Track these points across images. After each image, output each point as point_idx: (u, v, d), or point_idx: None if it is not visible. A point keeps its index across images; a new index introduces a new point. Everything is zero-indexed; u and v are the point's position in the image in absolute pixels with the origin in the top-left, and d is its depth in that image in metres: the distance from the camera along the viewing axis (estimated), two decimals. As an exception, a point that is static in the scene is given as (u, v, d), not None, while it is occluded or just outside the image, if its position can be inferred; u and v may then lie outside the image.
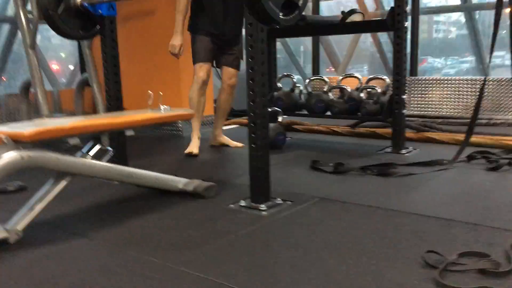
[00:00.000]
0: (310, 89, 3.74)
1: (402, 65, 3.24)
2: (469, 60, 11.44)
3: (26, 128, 1.82)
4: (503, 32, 3.58)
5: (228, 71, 3.60)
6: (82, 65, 5.01)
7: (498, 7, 2.85)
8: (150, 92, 2.80)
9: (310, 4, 5.61)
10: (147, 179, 2.32)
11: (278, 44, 6.83)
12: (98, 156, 2.12)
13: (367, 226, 1.93)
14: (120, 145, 2.74)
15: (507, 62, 5.00)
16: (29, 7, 3.95)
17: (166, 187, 2.37)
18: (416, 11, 4.83)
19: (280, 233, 1.91)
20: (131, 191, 2.47)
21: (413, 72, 5.05)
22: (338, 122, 4.25)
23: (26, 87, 4.15)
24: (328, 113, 3.65)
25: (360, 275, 1.47)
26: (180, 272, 1.53)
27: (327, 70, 7.91)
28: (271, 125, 3.28)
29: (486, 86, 3.80)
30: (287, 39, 7.39)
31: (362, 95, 3.45)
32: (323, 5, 6.43)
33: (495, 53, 3.00)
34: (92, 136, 2.33)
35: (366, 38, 8.33)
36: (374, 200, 2.27)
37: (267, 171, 2.22)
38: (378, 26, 3.52)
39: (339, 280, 1.45)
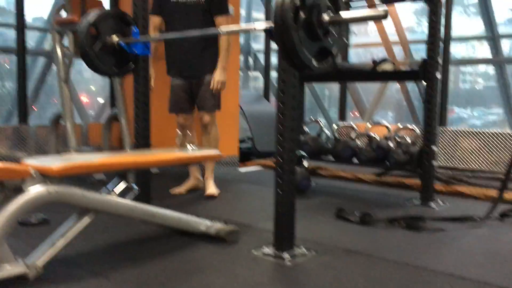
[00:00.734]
0: (337, 135, 3.70)
1: (433, 116, 3.19)
2: (497, 113, 11.30)
3: (54, 162, 1.82)
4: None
5: (198, 113, 3.44)
6: (112, 100, 5.10)
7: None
8: (179, 133, 2.82)
9: (339, 50, 5.64)
10: (170, 220, 2.28)
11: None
12: (123, 194, 2.11)
13: (394, 284, 1.84)
14: (145, 182, 2.73)
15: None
16: (66, 42, 4.09)
17: (189, 229, 2.33)
18: (446, 62, 4.81)
19: (304, 286, 1.83)
20: (154, 230, 2.44)
21: (443, 122, 4.97)
22: (363, 169, 4.18)
23: (57, 120, 4.22)
24: (355, 160, 3.60)
25: None
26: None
27: (351, 114, 7.89)
28: (296, 169, 3.23)
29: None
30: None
31: (391, 144, 3.39)
32: (351, 51, 6.49)
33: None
34: (118, 172, 2.32)
35: (392, 85, 8.33)
36: (402, 255, 2.18)
37: (292, 218, 2.16)
38: (409, 77, 3.50)
39: None
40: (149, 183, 2.80)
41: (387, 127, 3.63)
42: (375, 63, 3.43)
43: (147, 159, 2.17)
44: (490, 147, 4.53)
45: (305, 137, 3.83)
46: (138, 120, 2.88)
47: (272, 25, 2.10)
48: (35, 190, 1.76)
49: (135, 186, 2.18)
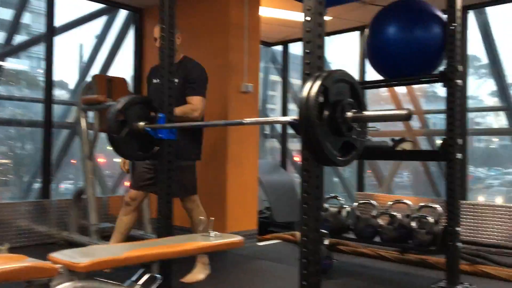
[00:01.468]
0: (358, 213, 3.68)
1: (456, 197, 3.17)
2: (513, 172, 11.17)
3: (81, 259, 1.84)
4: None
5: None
6: (133, 174, 5.18)
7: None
8: (201, 218, 2.83)
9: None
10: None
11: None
12: (147, 285, 2.10)
13: None
14: (168, 271, 2.71)
15: None
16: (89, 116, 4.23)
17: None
18: (464, 135, 4.83)
19: None
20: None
21: (463, 196, 4.92)
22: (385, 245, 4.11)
23: (79, 194, 4.28)
24: (377, 238, 3.55)
25: None
26: None
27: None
28: (318, 250, 3.19)
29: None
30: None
31: (413, 223, 3.35)
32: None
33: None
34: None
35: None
36: None
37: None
38: (430, 157, 3.51)
39: None
40: (172, 271, 2.78)
41: (407, 204, 3.59)
42: (395, 141, 3.47)
43: (171, 250, 2.18)
44: (514, 222, 4.44)
45: (325, 214, 3.81)
46: (161, 203, 2.90)
47: (296, 118, 2.17)
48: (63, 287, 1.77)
49: (158, 276, 2.17)
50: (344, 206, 3.79)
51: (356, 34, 5.82)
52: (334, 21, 5.27)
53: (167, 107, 2.92)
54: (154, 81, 3.46)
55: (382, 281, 3.36)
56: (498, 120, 7.10)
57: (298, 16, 5.21)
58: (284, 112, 6.79)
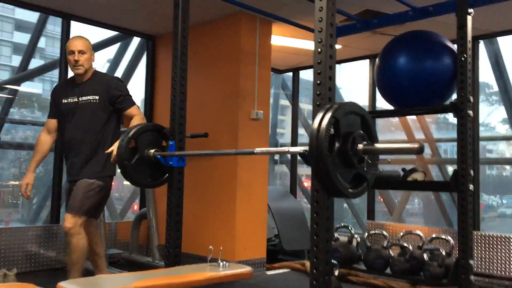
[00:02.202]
0: (369, 243, 3.63)
1: (468, 229, 3.12)
2: (528, 200, 10.98)
3: (90, 289, 1.82)
4: None
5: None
6: (142, 200, 5.19)
7: None
8: (211, 247, 2.81)
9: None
10: None
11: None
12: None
13: None
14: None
15: None
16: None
17: None
18: (476, 165, 4.78)
19: None
20: None
21: (476, 226, 4.84)
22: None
23: (88, 220, 4.28)
24: (388, 270, 3.49)
25: None
26: None
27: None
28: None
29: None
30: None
31: (425, 255, 3.29)
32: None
33: None
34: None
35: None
36: None
37: None
38: (442, 188, 3.48)
39: None
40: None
41: (420, 236, 3.54)
42: (406, 172, 3.44)
43: (179, 280, 2.16)
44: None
45: (335, 244, 3.76)
46: (170, 230, 2.89)
47: (305, 149, 2.17)
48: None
49: (166, 307, 2.15)
50: (355, 236, 3.75)
51: (366, 62, 5.85)
52: (344, 49, 5.31)
53: (178, 135, 2.93)
54: (64, 101, 3.26)
55: (393, 314, 3.30)
56: (510, 149, 7.05)
57: (308, 45, 5.26)
58: (294, 138, 6.78)
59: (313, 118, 2.16)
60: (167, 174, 2.96)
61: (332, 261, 3.52)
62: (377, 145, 1.95)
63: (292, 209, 6.09)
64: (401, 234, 3.54)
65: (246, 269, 2.46)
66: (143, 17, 4.76)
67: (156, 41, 5.36)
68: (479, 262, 4.60)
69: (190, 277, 2.20)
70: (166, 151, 2.91)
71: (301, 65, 6.47)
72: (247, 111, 4.41)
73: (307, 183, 8.16)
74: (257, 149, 2.39)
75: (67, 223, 3.09)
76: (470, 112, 3.19)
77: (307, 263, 4.47)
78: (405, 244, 3.44)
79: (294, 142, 6.75)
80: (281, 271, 4.73)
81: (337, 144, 1.95)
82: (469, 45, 3.22)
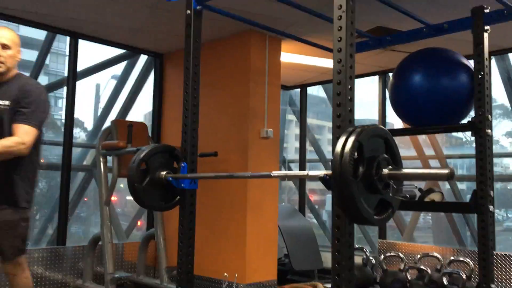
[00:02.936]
0: (385, 266, 3.52)
1: (489, 252, 3.01)
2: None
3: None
4: None
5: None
6: (150, 220, 5.09)
7: None
8: (226, 274, 2.72)
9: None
10: None
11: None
12: None
13: None
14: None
15: None
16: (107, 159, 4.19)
17: None
18: (492, 184, 4.68)
19: None
20: None
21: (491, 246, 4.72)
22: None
23: (96, 241, 4.19)
24: (405, 294, 3.38)
25: None
26: None
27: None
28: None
29: None
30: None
31: (444, 279, 3.19)
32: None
33: None
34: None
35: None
36: None
37: None
38: (460, 209, 3.39)
39: None
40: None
41: (438, 258, 3.44)
42: (423, 192, 3.34)
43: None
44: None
45: (349, 266, 3.65)
46: (181, 255, 2.79)
47: (327, 172, 2.08)
48: None
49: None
50: (370, 258, 3.64)
51: (375, 78, 5.79)
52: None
53: (190, 156, 2.86)
54: None
55: None
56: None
57: (317, 61, 5.21)
58: (302, 157, 6.70)
59: (334, 141, 2.08)
60: (178, 197, 2.88)
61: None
62: (404, 170, 1.87)
63: (302, 228, 5.97)
64: (418, 256, 3.43)
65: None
66: (151, 36, 4.72)
67: (163, 59, 5.32)
68: (497, 283, 4.47)
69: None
70: (177, 173, 2.83)
71: (309, 82, 6.42)
72: (257, 129, 4.34)
73: (312, 198, 8.06)
74: (274, 173, 2.31)
75: (12, 268, 2.70)
76: (489, 131, 3.11)
77: (320, 285, 4.36)
78: (423, 267, 3.33)
79: (302, 161, 6.67)
80: (291, 293, 4.60)
81: (361, 169, 1.87)
82: (486, 62, 3.15)
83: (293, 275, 5.84)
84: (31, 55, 5.66)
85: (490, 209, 3.06)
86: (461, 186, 7.20)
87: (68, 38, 4.69)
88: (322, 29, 4.02)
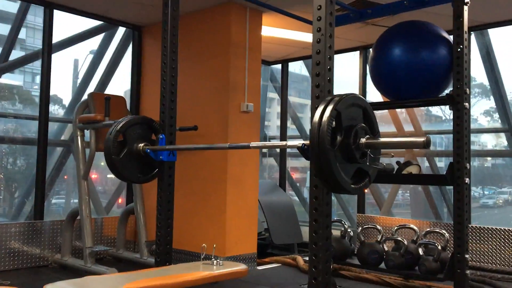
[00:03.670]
0: (362, 237, 3.57)
1: (464, 223, 3.07)
2: (508, 191, 11.17)
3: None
4: None
5: None
6: (129, 195, 5.06)
7: None
8: (204, 245, 2.71)
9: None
10: None
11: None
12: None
13: None
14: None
15: None
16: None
17: None
18: (468, 158, 4.75)
19: None
20: None
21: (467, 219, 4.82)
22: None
23: (74, 216, 4.15)
24: (382, 265, 3.44)
25: None
26: None
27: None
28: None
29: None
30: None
31: (420, 250, 3.25)
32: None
33: None
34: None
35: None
36: None
37: None
38: (437, 181, 3.43)
39: None
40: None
41: (414, 230, 3.50)
42: (400, 165, 3.38)
43: (172, 281, 2.06)
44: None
45: (328, 238, 3.69)
46: (160, 228, 2.78)
47: (305, 143, 2.08)
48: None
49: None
50: (348, 230, 3.69)
51: (356, 57, 5.78)
52: (335, 40, 5.23)
53: (168, 128, 2.82)
54: None
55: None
56: (498, 142, 7.05)
57: (298, 35, 5.16)
58: (283, 131, 6.70)
59: (312, 110, 2.07)
60: (157, 169, 2.86)
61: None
62: (381, 139, 1.87)
63: (282, 203, 6.02)
64: (395, 228, 3.49)
65: (241, 267, 2.37)
66: (128, 6, 4.60)
67: (142, 31, 5.21)
68: (471, 255, 4.59)
69: (183, 277, 2.11)
70: (155, 145, 2.80)
71: (290, 57, 6.37)
72: (237, 103, 4.31)
73: (293, 176, 8.09)
74: (253, 143, 2.30)
75: None
76: (467, 104, 3.15)
77: (299, 258, 4.41)
78: (400, 238, 3.38)
79: (283, 135, 6.68)
80: (272, 266, 4.65)
81: (339, 138, 1.87)
82: (466, 35, 3.16)
83: (273, 249, 5.90)
84: (6, 29, 5.47)
85: (466, 181, 3.12)
86: (440, 164, 7.30)
87: (43, 9, 4.53)
88: (303, 0, 3.97)
